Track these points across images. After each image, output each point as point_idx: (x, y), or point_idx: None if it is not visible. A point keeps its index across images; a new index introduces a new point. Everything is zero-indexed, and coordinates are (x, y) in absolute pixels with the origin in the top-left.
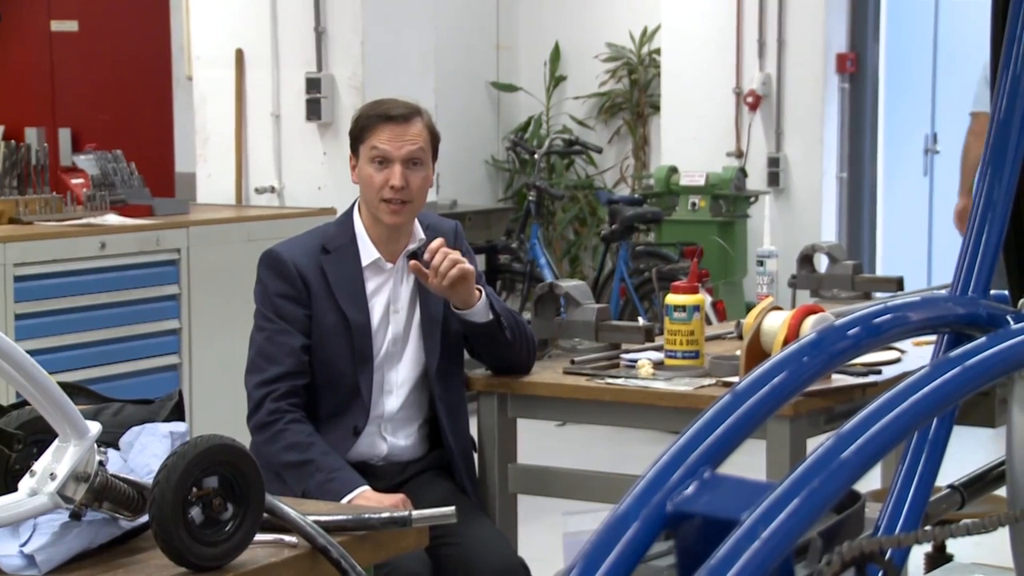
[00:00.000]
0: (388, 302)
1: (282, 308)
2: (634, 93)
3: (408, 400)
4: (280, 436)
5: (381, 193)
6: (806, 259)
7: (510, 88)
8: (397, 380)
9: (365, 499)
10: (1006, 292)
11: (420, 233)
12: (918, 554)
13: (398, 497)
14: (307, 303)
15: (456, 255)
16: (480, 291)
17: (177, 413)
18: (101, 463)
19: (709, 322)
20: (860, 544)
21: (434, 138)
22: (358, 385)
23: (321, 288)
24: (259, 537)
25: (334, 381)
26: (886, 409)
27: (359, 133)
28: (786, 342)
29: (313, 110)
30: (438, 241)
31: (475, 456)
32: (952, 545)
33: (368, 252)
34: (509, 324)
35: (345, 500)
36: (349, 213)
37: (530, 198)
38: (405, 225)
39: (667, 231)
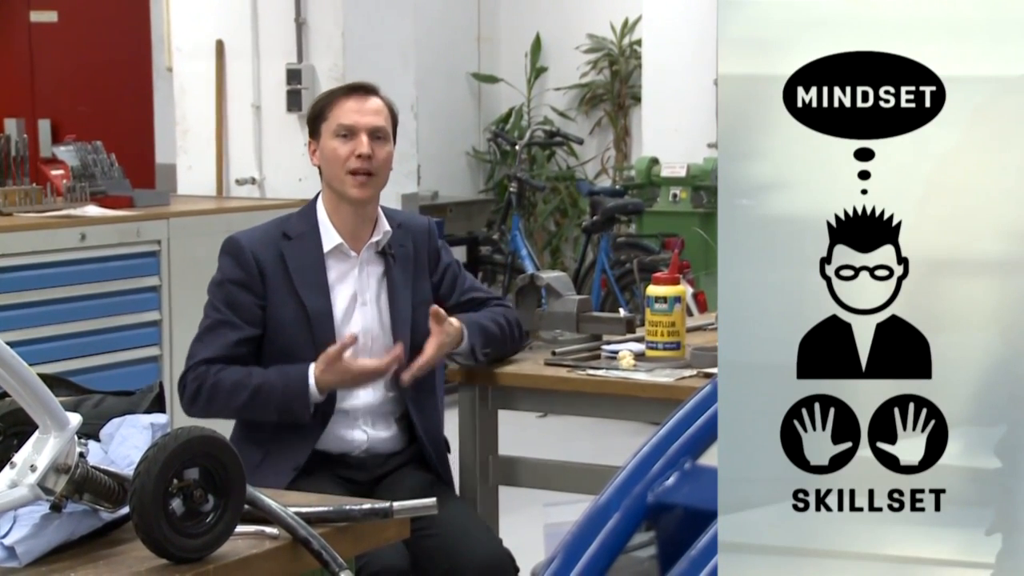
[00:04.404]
0: (355, 293)
1: (232, 295)
2: (615, 84)
3: (385, 394)
4: (216, 390)
5: (347, 165)
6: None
7: (491, 79)
8: None
9: (325, 373)
10: None
11: (385, 225)
12: None
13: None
14: (261, 293)
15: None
16: (463, 336)
17: (158, 405)
18: (82, 455)
19: (690, 313)
20: None
21: (394, 117)
22: None
23: (279, 276)
24: (240, 528)
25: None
26: None
27: (320, 111)
28: None
29: (294, 101)
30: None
31: (447, 455)
32: None
33: (330, 238)
34: (495, 339)
35: (312, 388)
36: (312, 203)
37: (511, 189)
38: (371, 205)
39: (648, 222)
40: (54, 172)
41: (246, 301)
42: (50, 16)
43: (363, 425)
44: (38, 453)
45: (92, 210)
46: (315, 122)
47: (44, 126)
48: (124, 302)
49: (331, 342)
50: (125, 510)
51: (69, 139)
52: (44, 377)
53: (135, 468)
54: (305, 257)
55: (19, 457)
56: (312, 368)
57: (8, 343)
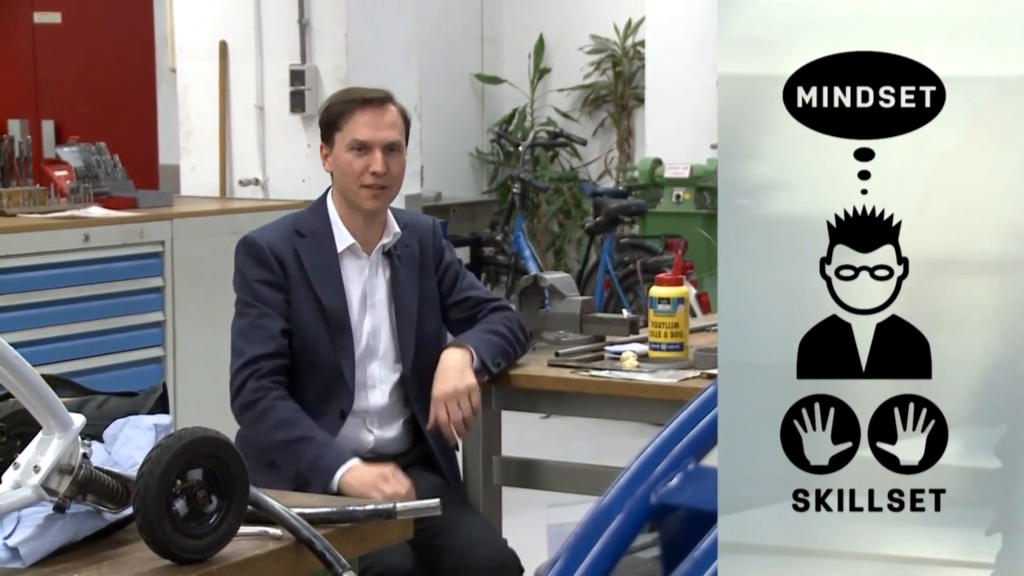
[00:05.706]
0: (364, 293)
1: (262, 293)
2: (618, 85)
3: (392, 395)
4: (267, 415)
5: (361, 179)
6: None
7: (494, 80)
8: (378, 375)
9: (357, 471)
10: None
11: (395, 227)
12: None
13: (389, 467)
14: (286, 288)
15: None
16: (472, 356)
17: (161, 405)
18: (85, 455)
19: (693, 314)
20: None
21: (407, 123)
22: (340, 369)
23: (297, 273)
24: (243, 529)
25: (316, 365)
26: None
27: (334, 120)
28: None
29: (297, 102)
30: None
31: (455, 452)
32: None
33: (343, 238)
34: (503, 349)
35: (338, 475)
36: (322, 200)
37: (514, 190)
38: (381, 212)
39: (651, 223)
40: (58, 173)
41: (275, 296)
42: (54, 17)
43: (371, 426)
44: (41, 454)
45: (96, 211)
46: (328, 129)
47: (48, 127)
48: (128, 303)
49: (347, 336)
50: (128, 511)
51: (73, 140)
52: (47, 378)
53: (138, 469)
54: (320, 255)
55: (23, 458)
56: (352, 462)
57: (12, 344)
